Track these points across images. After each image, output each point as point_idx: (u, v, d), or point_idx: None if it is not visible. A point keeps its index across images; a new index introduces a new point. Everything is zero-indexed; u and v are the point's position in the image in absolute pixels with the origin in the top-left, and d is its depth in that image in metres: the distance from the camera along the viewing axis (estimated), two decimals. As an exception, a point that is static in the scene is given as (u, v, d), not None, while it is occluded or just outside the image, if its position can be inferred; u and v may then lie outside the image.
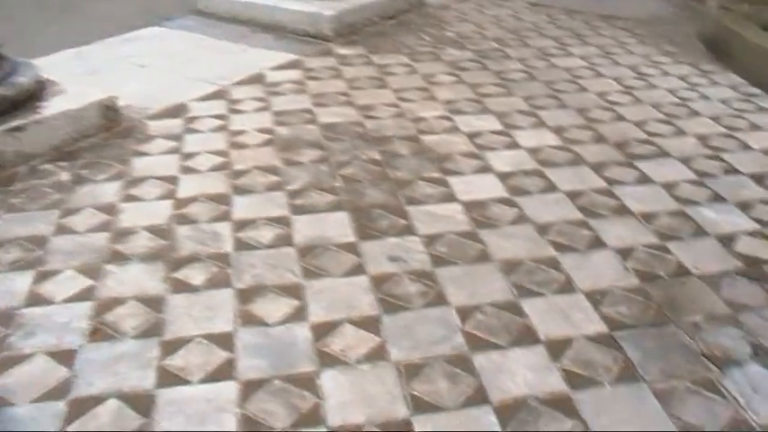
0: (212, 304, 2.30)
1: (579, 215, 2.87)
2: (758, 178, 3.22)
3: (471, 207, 2.89)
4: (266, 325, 2.22)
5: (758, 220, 2.90)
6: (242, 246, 2.60)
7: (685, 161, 3.34)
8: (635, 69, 4.44)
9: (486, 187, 3.05)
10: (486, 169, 3.19)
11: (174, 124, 3.54)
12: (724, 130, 3.68)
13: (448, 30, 5.05)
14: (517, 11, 5.58)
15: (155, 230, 2.68)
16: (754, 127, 3.73)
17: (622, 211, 2.92)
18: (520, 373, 2.06)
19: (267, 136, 3.44)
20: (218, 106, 3.75)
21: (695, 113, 3.85)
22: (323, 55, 4.49)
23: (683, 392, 2.04)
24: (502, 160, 3.27)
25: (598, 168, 3.23)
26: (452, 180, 3.09)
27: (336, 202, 2.90)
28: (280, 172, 3.12)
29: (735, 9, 4.86)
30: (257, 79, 4.09)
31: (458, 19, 5.31)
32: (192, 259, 2.52)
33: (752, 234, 2.81)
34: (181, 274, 2.44)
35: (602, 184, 3.11)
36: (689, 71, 4.46)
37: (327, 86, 4.01)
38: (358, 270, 2.49)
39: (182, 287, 2.38)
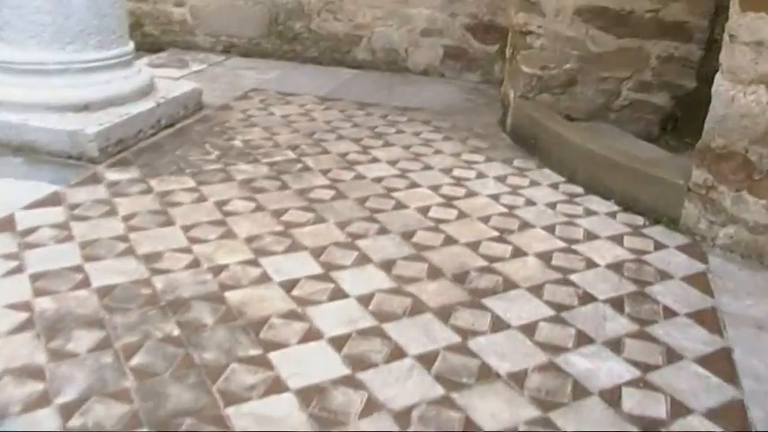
0: None
1: (440, 389, 2.33)
2: (616, 304, 2.87)
3: (307, 397, 2.26)
4: None
5: (633, 363, 2.52)
6: None
7: (535, 291, 2.92)
8: (449, 173, 4.05)
9: (320, 363, 2.43)
10: (314, 335, 2.58)
11: None
12: (562, 243, 3.33)
13: (235, 137, 4.42)
14: (307, 108, 5.07)
15: None
16: (591, 236, 3.43)
17: (487, 374, 2.42)
18: None
19: (23, 315, 2.61)
20: (-48, 274, 2.86)
21: (527, 225, 3.49)
22: (90, 183, 3.69)
23: None
24: (331, 318, 2.67)
25: (444, 315, 2.73)
26: (276, 357, 2.45)
27: (130, 415, 2.15)
28: (45, 374, 2.31)
29: (535, 98, 4.64)
30: (5, 225, 3.23)
31: (244, 123, 4.69)
32: None
33: (634, 384, 2.41)
34: None
35: (455, 338, 2.60)
36: (504, 170, 4.15)
37: (99, 229, 3.23)
38: None
39: None
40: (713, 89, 3.38)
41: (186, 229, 3.26)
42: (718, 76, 3.35)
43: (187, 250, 3.07)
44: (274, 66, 6.14)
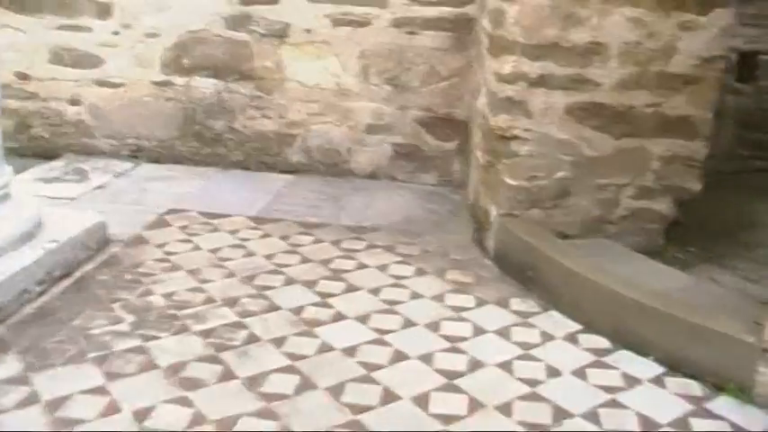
0: None
1: None
2: None
3: None
4: None
5: None
6: None
7: None
8: (437, 330, 3.15)
9: None
10: None
11: None
12: (621, 446, 2.44)
13: (153, 290, 3.40)
14: (241, 236, 4.08)
15: None
16: (649, 423, 2.56)
17: None
18: None
19: None
20: None
21: (562, 412, 2.61)
22: (-53, 389, 2.61)
23: None
24: None
25: None
26: None
27: None
28: None
29: (522, 215, 3.80)
30: None
31: (163, 265, 3.67)
32: None
33: None
34: None
35: None
36: (504, 319, 3.27)
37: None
38: None
39: None
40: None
41: (96, 471, 2.21)
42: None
43: None
44: (193, 173, 5.13)
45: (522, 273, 3.61)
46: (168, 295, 3.34)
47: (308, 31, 5.01)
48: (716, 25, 3.73)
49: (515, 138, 3.74)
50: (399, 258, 3.87)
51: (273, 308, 3.27)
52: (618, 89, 3.73)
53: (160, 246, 3.89)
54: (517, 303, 3.42)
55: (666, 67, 3.73)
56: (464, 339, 3.07)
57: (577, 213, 3.90)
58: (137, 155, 5.45)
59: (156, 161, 5.38)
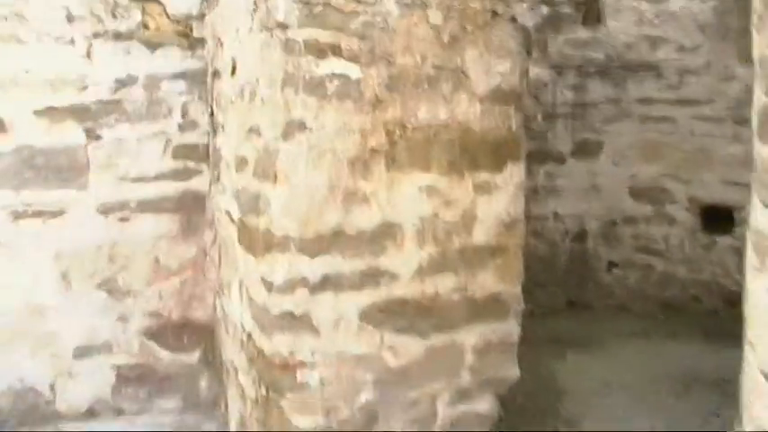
0: None
1: None
2: None
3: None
4: None
5: None
6: None
7: None
8: None
9: None
10: None
11: None
12: None
13: None
14: None
15: None
16: None
17: None
18: None
19: None
20: None
21: None
22: None
23: None
24: None
25: None
26: None
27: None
28: None
29: None
30: None
31: None
32: None
33: None
34: None
35: None
36: None
37: None
38: None
39: None
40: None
41: None
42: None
43: None
44: None
45: None
46: None
47: (-24, 232, 3.65)
48: (511, 183, 3.13)
49: (302, 365, 2.73)
50: None
51: None
52: (419, 277, 2.94)
53: None
54: None
55: (469, 239, 3.04)
56: None
57: (391, 443, 2.95)
58: None
59: None
